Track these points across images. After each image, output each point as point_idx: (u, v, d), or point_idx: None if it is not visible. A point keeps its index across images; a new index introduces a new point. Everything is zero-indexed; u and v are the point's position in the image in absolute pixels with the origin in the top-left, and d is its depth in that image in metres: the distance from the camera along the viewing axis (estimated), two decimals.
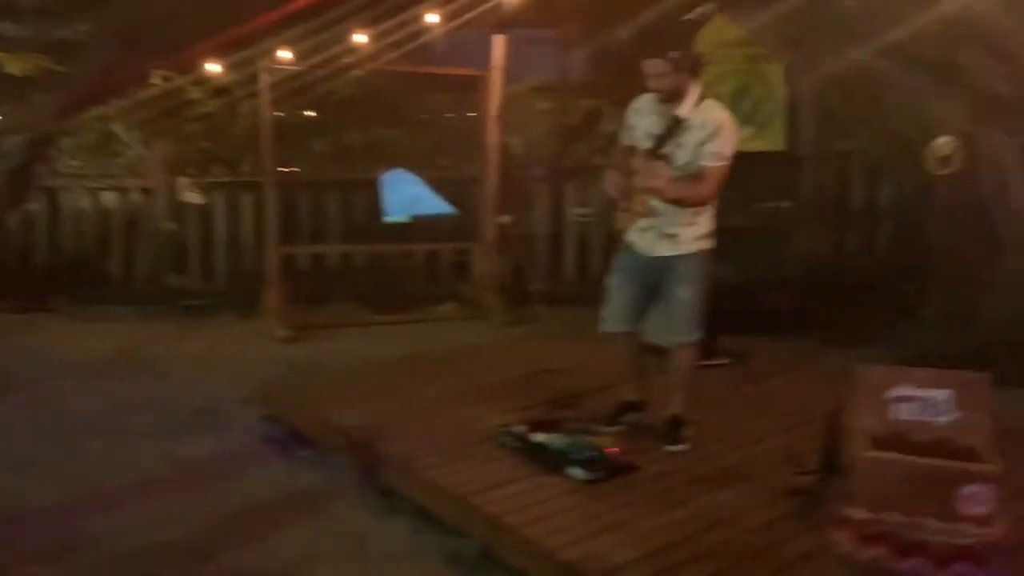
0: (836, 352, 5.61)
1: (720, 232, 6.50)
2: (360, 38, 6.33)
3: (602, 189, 7.02)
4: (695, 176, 3.44)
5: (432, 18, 6.27)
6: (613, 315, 3.72)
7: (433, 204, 7.82)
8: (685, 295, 3.56)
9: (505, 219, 6.93)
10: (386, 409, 4.01)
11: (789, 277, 6.56)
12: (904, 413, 2.21)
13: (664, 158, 3.42)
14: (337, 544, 3.22)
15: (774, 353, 5.28)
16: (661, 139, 3.47)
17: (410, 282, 7.21)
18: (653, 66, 3.39)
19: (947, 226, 5.21)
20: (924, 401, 2.19)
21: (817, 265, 6.69)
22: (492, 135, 6.75)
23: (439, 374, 4.66)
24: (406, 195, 7.93)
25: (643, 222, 3.58)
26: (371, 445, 3.56)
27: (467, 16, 6.29)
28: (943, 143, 5.15)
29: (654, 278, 3.62)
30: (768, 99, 6.62)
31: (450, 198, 7.13)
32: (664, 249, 3.57)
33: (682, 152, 3.44)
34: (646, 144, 3.52)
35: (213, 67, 6.42)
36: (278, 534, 3.30)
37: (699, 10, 5.91)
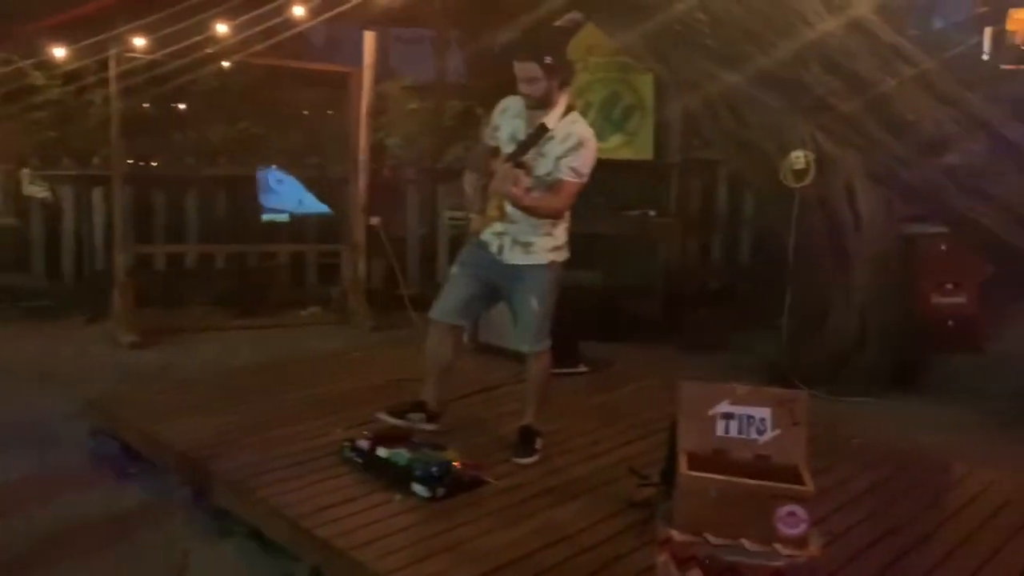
0: (693, 359, 5.75)
1: (589, 239, 6.52)
2: (222, 28, 6.04)
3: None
4: (551, 188, 3.39)
5: (298, 11, 6.05)
6: (445, 305, 3.62)
7: (312, 204, 7.62)
8: (535, 305, 3.50)
9: (375, 220, 6.76)
10: (226, 422, 3.80)
11: (655, 284, 6.68)
12: (726, 430, 2.21)
13: (524, 165, 3.36)
14: (158, 570, 3.00)
15: (634, 360, 5.33)
16: (524, 146, 3.39)
17: (274, 285, 6.93)
18: (527, 70, 3.31)
19: (801, 238, 5.36)
20: (744, 419, 2.19)
21: (682, 272, 6.83)
22: (362, 134, 6.57)
23: (291, 383, 4.46)
24: (284, 194, 7.69)
25: (498, 226, 3.49)
26: (202, 462, 3.35)
27: (335, 10, 6.11)
28: (797, 157, 5.29)
29: (499, 282, 3.56)
30: (638, 108, 6.70)
31: (319, 198, 6.92)
32: (517, 257, 3.50)
33: (543, 162, 3.38)
34: (508, 148, 3.45)
35: (57, 50, 5.98)
36: (94, 560, 3.05)
37: (570, 16, 5.90)
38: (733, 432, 2.20)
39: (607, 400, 4.39)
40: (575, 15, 5.84)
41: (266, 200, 6.78)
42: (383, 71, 7.63)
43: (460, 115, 7.26)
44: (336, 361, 5.05)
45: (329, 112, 7.73)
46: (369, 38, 6.50)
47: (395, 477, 3.19)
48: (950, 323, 5.65)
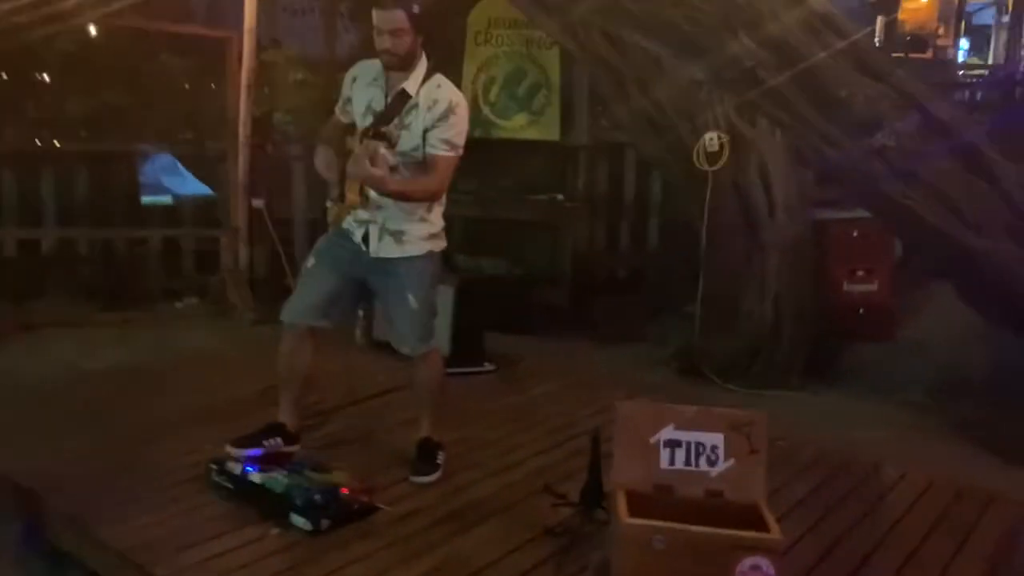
0: (606, 351, 5.44)
1: (493, 224, 6.09)
2: None
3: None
4: (420, 166, 2.93)
5: None
6: (300, 304, 3.08)
7: (192, 184, 6.99)
8: (414, 303, 3.02)
9: (259, 202, 6.15)
10: (71, 442, 3.23)
11: (562, 272, 6.35)
12: (671, 461, 1.84)
13: (386, 137, 2.84)
14: None
15: (543, 355, 4.97)
16: (383, 117, 2.90)
17: (145, 273, 6.22)
18: (390, 19, 2.81)
19: (713, 223, 5.10)
20: (693, 446, 1.83)
21: (590, 260, 6.52)
22: (242, 106, 5.93)
23: (155, 391, 3.89)
24: (165, 173, 7.01)
25: (361, 213, 2.98)
26: (34, 493, 2.78)
27: None
28: (711, 139, 5.03)
29: (367, 277, 3.07)
30: (544, 85, 6.32)
31: (197, 177, 6.29)
32: (387, 249, 3.00)
33: (407, 136, 2.89)
34: (364, 122, 2.95)
35: None
36: None
37: None
38: (679, 463, 1.83)
39: (517, 403, 3.98)
40: None
41: (143, 181, 6.15)
42: (267, 41, 7.00)
43: None
44: (210, 363, 4.48)
45: (212, 86, 7.03)
46: None
47: (271, 506, 2.72)
48: (861, 311, 5.53)
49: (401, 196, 2.89)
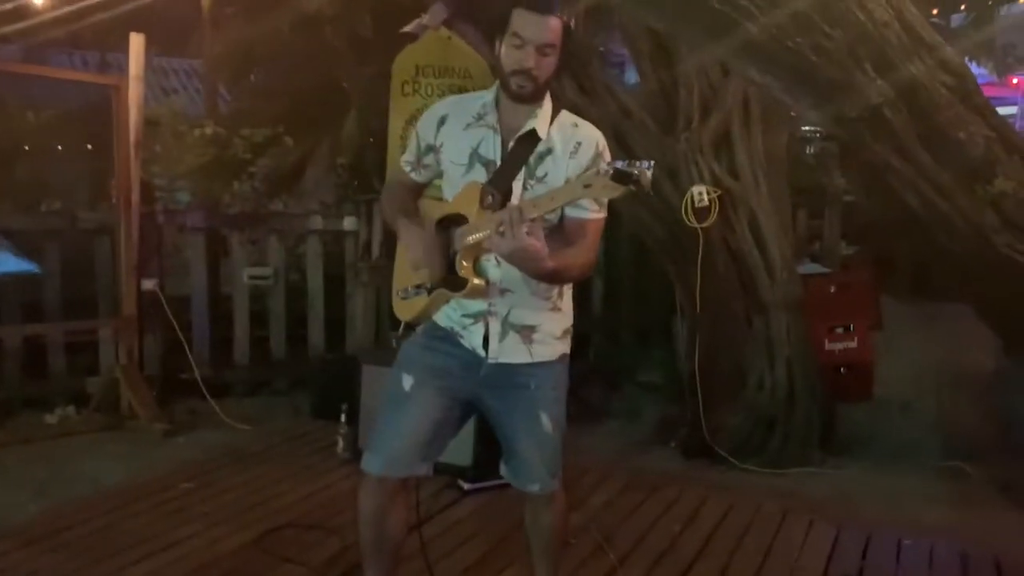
0: (582, 432, 4.79)
1: None
2: None
3: (278, 244, 5.49)
4: (556, 233, 2.13)
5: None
6: (397, 443, 2.19)
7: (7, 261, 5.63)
8: (548, 425, 2.24)
9: (150, 284, 5.03)
10: None
11: None
12: None
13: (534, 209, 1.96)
14: None
15: None
16: (504, 169, 2.12)
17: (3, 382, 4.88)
18: (545, 30, 2.03)
19: (707, 285, 4.63)
20: None
21: None
22: (131, 169, 4.84)
23: (100, 555, 2.80)
24: None
25: (472, 304, 2.19)
26: None
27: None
28: (699, 193, 4.62)
29: (479, 392, 2.25)
30: None
31: (63, 256, 5.03)
32: (513, 352, 2.20)
33: (543, 191, 2.09)
34: (469, 176, 2.15)
35: None
36: None
37: (419, 21, 4.70)
38: None
39: (578, 520, 3.21)
40: (430, 17, 4.64)
41: None
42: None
43: (258, 145, 5.69)
44: (151, 504, 3.37)
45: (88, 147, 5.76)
46: (136, 41, 4.82)
47: None
48: (842, 370, 5.27)
49: (555, 276, 2.10)
